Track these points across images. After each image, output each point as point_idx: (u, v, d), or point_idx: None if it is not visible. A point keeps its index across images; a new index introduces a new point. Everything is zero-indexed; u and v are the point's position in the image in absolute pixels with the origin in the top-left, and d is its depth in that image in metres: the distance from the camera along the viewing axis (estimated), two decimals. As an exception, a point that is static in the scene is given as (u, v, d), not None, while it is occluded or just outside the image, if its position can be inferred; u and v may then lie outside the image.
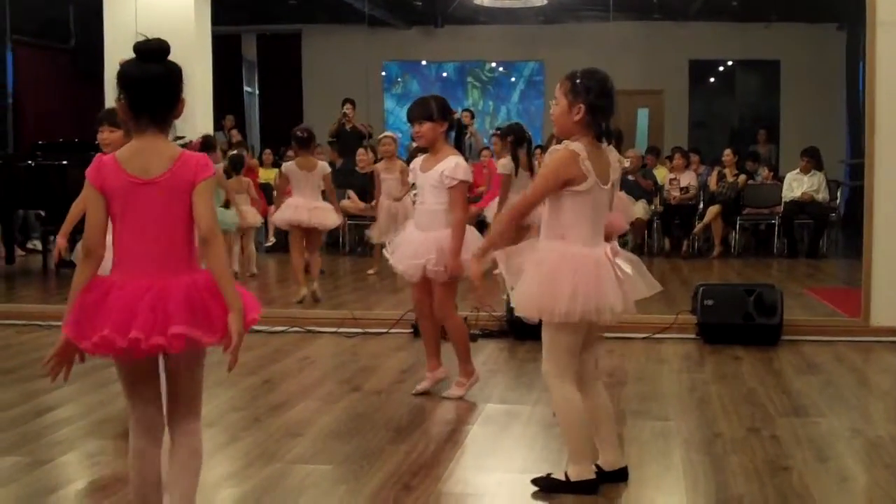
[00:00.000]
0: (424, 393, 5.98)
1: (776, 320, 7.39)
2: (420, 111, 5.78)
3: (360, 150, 13.61)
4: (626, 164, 13.63)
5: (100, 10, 11.09)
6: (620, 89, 14.29)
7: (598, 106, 4.20)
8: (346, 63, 17.76)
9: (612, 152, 4.36)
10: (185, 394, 3.43)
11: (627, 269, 4.27)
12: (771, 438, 5.06)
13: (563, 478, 4.31)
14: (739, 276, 10.95)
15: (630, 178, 13.44)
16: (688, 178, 13.38)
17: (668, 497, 4.37)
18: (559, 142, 4.37)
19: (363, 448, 4.94)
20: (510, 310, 7.62)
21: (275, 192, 12.10)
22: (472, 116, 15.29)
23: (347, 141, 14.31)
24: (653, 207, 13.41)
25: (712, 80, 19.12)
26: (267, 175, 14.35)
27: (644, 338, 7.59)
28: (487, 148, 14.56)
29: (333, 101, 14.30)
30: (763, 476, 4.48)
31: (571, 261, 4.15)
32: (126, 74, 3.35)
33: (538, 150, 14.85)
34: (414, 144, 9.41)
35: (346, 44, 17.88)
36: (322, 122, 14.35)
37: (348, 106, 13.86)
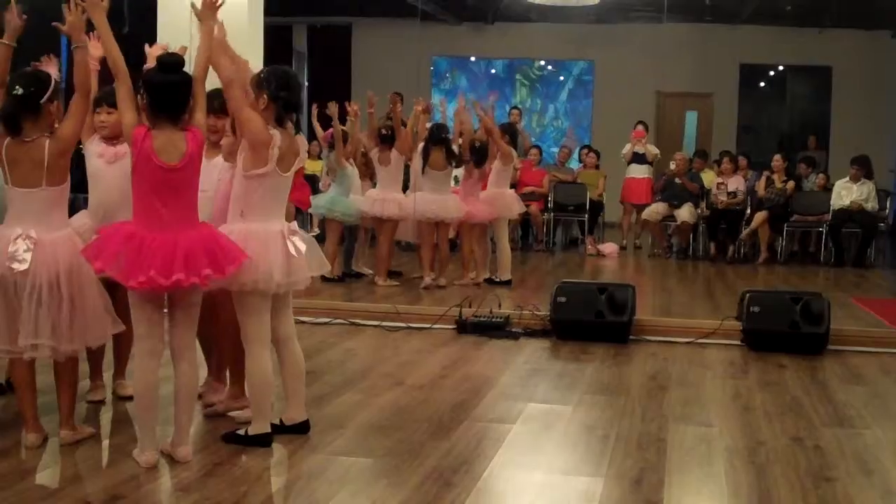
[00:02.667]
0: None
1: (822, 329, 7.32)
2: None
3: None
4: (672, 166, 13.56)
5: (154, -2, 11.19)
6: (670, 91, 14.30)
7: (279, 97, 4.70)
8: (394, 57, 17.75)
9: (302, 142, 4.96)
10: (189, 322, 4.60)
11: (302, 247, 4.80)
12: (814, 449, 5.02)
13: (244, 433, 4.85)
14: (785, 283, 10.84)
15: (677, 180, 13.36)
16: (736, 183, 13.26)
17: (710, 504, 4.36)
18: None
19: (405, 443, 4.96)
20: (553, 309, 7.63)
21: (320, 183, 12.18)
22: (521, 114, 15.23)
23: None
24: (699, 211, 13.32)
25: (763, 84, 18.95)
26: (313, 167, 14.40)
27: (688, 342, 7.54)
28: (536, 147, 14.52)
29: (381, 95, 14.26)
30: (806, 487, 4.46)
31: (247, 236, 4.66)
32: (150, 80, 4.44)
33: (586, 150, 14.84)
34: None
35: (395, 38, 17.88)
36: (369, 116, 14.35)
37: (394, 96, 13.82)
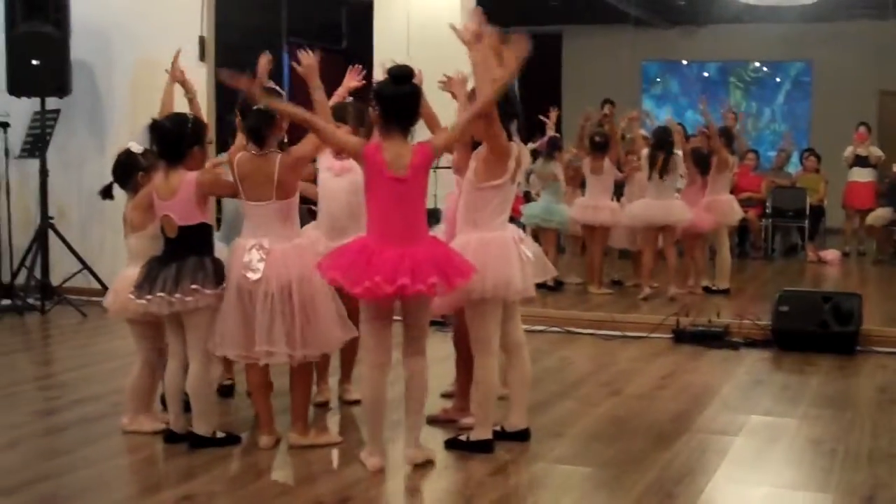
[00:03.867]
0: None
1: None
2: None
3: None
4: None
5: (371, 13, 11.49)
6: (893, 91, 13.68)
7: (504, 110, 4.73)
8: (604, 63, 17.68)
9: (524, 150, 5.07)
10: (419, 333, 4.64)
11: (530, 254, 4.91)
12: None
13: (466, 439, 4.93)
14: None
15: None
16: (968, 186, 12.58)
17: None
18: None
19: (624, 453, 4.94)
20: (775, 318, 7.43)
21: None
22: (737, 118, 14.84)
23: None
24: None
25: None
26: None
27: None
28: (753, 151, 14.14)
29: (592, 102, 14.20)
30: None
31: (485, 245, 4.74)
32: (381, 92, 4.52)
33: (807, 153, 14.35)
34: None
35: (605, 44, 17.81)
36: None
37: (608, 106, 13.77)
